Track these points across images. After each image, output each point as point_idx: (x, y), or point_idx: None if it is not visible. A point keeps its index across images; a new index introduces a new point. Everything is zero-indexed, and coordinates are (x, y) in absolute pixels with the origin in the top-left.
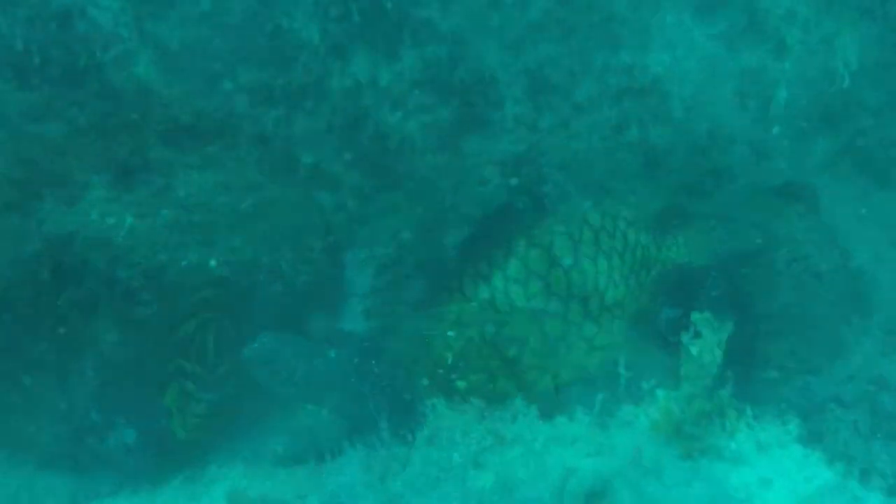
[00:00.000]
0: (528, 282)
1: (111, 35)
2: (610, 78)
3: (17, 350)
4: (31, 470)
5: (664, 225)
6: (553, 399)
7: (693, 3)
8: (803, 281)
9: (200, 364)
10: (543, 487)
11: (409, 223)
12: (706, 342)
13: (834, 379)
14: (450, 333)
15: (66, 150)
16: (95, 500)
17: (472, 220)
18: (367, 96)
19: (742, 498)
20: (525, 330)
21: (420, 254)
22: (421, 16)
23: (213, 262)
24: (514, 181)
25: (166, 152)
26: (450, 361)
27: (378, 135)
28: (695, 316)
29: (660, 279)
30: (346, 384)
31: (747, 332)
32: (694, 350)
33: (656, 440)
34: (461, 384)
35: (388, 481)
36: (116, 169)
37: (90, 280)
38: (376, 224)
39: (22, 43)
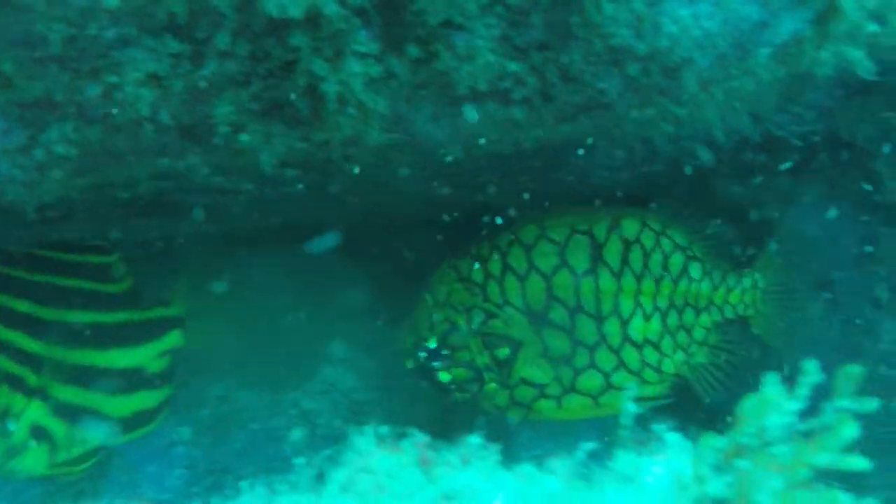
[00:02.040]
0: (528, 277)
1: None
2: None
3: None
4: None
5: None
6: None
7: None
8: None
9: None
10: None
11: None
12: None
13: None
14: (436, 314)
15: None
16: None
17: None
18: None
19: None
20: (519, 332)
21: None
22: None
23: None
24: None
25: None
26: (433, 346)
27: None
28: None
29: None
30: None
31: None
32: (770, 389)
33: None
34: (444, 376)
35: None
36: None
37: None
38: None
39: None
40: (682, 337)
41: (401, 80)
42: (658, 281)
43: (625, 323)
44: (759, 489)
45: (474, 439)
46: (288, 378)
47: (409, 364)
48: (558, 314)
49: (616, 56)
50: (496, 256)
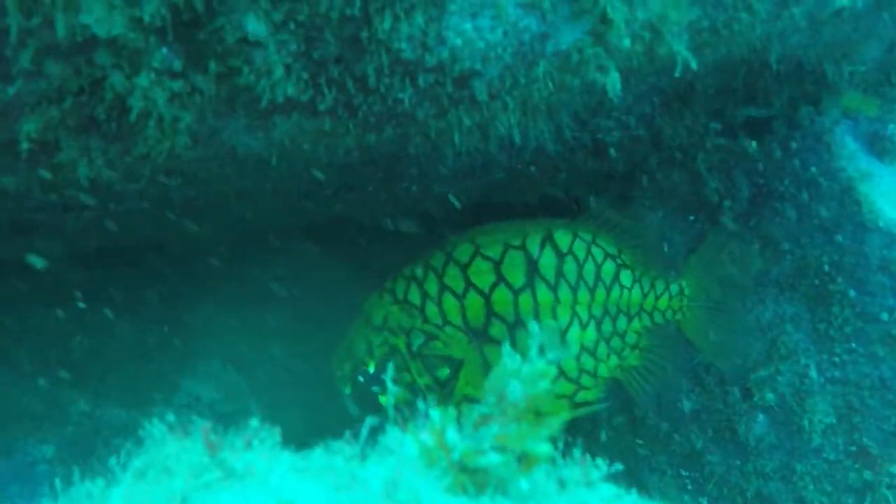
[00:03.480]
0: (466, 296)
1: None
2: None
3: None
4: None
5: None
6: None
7: None
8: None
9: None
10: None
11: None
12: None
13: None
14: (374, 338)
15: None
16: None
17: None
18: None
19: None
20: (460, 351)
21: None
22: None
23: None
24: None
25: None
26: (371, 370)
27: None
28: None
29: (648, 335)
30: None
31: None
32: (508, 360)
33: (422, 471)
34: (384, 400)
35: None
36: None
37: None
38: None
39: None
40: (615, 342)
41: (205, 94)
42: (592, 290)
43: (563, 333)
44: (482, 440)
45: (254, 423)
46: (152, 392)
47: (347, 390)
48: (498, 330)
49: (406, 68)
50: (432, 276)
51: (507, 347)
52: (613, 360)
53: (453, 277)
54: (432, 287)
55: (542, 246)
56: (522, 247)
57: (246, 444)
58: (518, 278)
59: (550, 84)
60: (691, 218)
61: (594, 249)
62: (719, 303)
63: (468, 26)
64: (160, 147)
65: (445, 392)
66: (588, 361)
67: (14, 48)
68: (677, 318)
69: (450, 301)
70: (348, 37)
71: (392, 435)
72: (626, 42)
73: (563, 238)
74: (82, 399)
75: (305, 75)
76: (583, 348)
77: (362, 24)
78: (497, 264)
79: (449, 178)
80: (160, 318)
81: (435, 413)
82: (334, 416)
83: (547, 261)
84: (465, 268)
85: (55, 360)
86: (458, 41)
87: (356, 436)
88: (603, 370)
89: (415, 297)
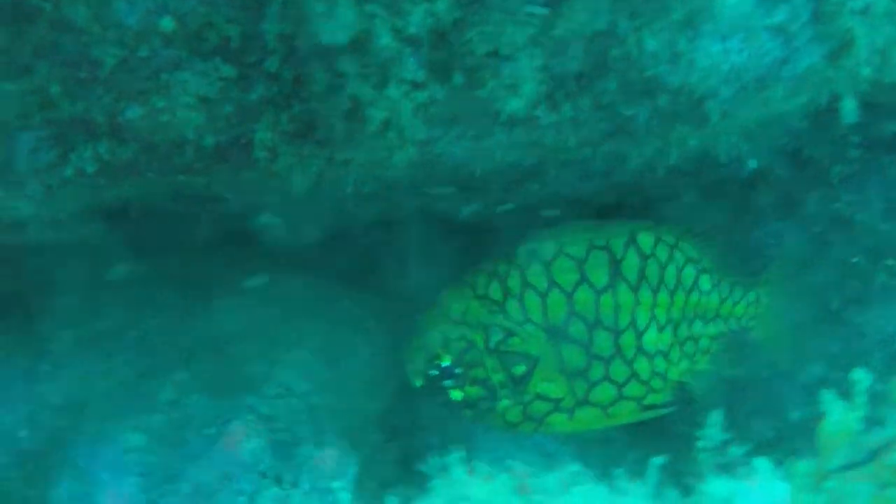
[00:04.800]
0: (548, 294)
1: None
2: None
3: None
4: None
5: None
6: None
7: None
8: None
9: None
10: None
11: None
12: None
13: None
14: (451, 332)
15: None
16: None
17: None
18: None
19: None
20: (537, 349)
21: None
22: None
23: None
24: None
25: None
26: (445, 364)
27: None
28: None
29: (722, 341)
30: None
31: None
32: (835, 414)
33: None
34: (456, 394)
35: None
36: None
37: None
38: None
39: None
40: (689, 346)
41: (441, 105)
42: (672, 293)
43: (640, 335)
44: (853, 499)
45: (573, 466)
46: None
47: (418, 382)
48: (577, 329)
49: (649, 86)
50: (515, 273)
51: (828, 396)
52: (685, 363)
53: (536, 275)
54: (515, 283)
55: (626, 247)
56: (606, 247)
57: (563, 488)
58: (601, 278)
59: (777, 105)
60: (816, 230)
61: (676, 253)
62: (793, 313)
63: (717, 48)
64: (378, 155)
65: (519, 389)
66: (661, 364)
67: (263, 54)
68: (751, 326)
69: (532, 298)
70: (596, 53)
71: (716, 483)
72: (862, 68)
73: (646, 240)
74: (169, 386)
75: (544, 90)
76: (657, 351)
77: (614, 42)
78: (581, 263)
79: (573, 180)
80: (250, 305)
81: (762, 462)
82: None
83: (630, 262)
84: (548, 265)
85: (133, 345)
86: (706, 62)
87: (639, 473)
88: (673, 373)
89: (496, 292)
